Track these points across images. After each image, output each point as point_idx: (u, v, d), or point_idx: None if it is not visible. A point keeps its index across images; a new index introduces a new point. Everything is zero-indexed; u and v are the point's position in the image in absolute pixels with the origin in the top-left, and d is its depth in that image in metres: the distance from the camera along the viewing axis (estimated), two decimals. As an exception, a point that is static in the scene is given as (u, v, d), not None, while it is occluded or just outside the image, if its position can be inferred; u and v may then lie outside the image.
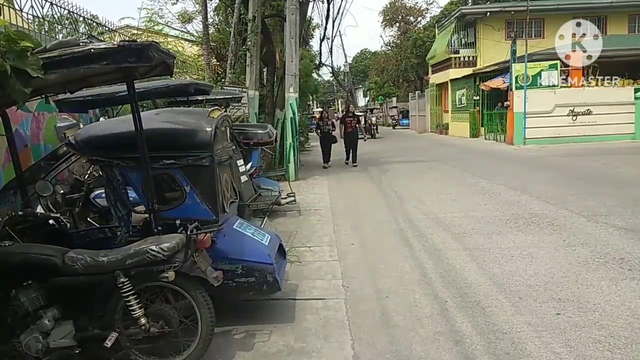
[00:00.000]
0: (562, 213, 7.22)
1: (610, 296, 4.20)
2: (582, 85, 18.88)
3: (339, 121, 16.29)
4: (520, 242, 5.93)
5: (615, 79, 18.96)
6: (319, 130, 15.20)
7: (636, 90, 18.56)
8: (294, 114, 12.15)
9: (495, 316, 3.93)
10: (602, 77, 18.95)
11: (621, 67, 19.12)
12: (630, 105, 18.42)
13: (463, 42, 27.77)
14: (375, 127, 29.43)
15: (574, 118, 18.46)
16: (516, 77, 18.45)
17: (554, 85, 18.61)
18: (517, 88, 18.46)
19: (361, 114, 24.73)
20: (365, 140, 18.05)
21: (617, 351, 3.30)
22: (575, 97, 18.45)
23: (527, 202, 8.16)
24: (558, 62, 18.80)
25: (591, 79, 18.97)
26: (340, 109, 49.43)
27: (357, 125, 15.21)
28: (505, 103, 19.57)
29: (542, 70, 18.58)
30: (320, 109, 26.60)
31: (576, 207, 7.49)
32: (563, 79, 18.89)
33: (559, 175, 10.92)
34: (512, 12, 24.03)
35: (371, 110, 35.68)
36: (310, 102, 40.11)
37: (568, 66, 19.21)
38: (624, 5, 25.02)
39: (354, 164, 14.60)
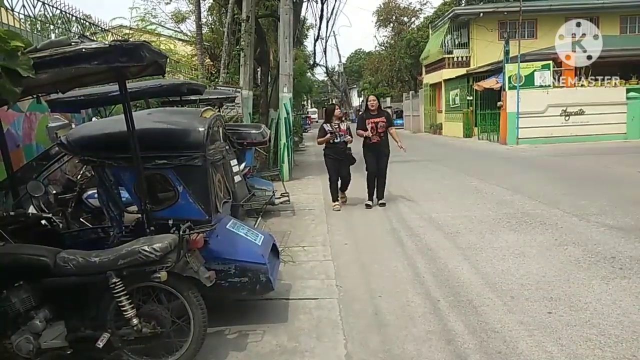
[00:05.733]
0: (554, 212, 7.27)
1: (601, 295, 4.23)
2: (574, 85, 19.01)
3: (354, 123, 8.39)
4: (512, 241, 5.96)
5: (615, 79, 19.03)
6: (323, 138, 8.31)
7: (628, 91, 18.70)
8: (288, 114, 12.14)
9: (487, 315, 3.95)
10: (594, 77, 19.08)
11: (613, 68, 19.25)
12: (622, 105, 18.57)
13: (456, 42, 27.91)
14: None
15: (567, 118, 18.59)
16: (509, 78, 18.55)
17: (547, 86, 18.72)
18: (510, 88, 18.57)
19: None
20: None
21: (608, 349, 3.33)
22: (568, 97, 18.58)
23: (520, 201, 8.20)
24: (551, 62, 18.93)
25: (589, 78, 19.04)
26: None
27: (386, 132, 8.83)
28: (499, 103, 19.67)
29: (535, 70, 18.70)
30: (314, 108, 23.72)
31: (568, 207, 7.54)
32: (562, 79, 19.00)
33: (551, 175, 10.99)
34: (505, 13, 24.18)
35: None
36: (305, 102, 40.09)
37: (561, 66, 19.34)
38: (616, 5, 25.24)
39: (380, 202, 8.47)
